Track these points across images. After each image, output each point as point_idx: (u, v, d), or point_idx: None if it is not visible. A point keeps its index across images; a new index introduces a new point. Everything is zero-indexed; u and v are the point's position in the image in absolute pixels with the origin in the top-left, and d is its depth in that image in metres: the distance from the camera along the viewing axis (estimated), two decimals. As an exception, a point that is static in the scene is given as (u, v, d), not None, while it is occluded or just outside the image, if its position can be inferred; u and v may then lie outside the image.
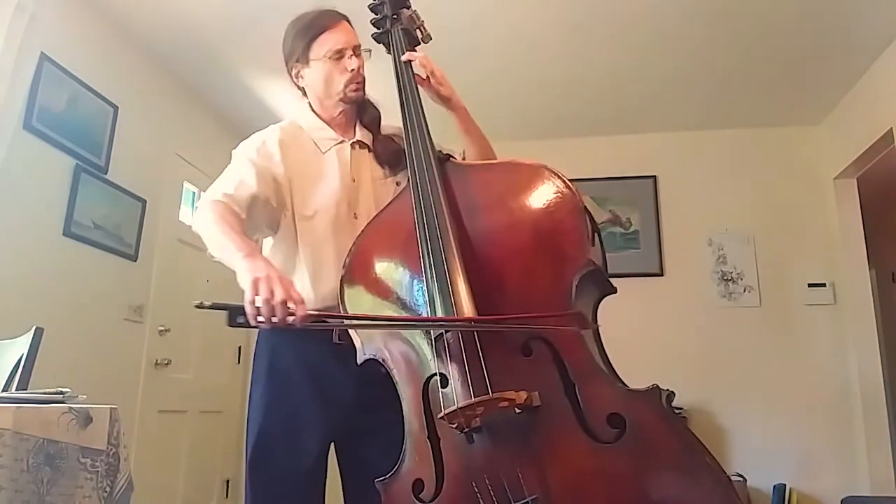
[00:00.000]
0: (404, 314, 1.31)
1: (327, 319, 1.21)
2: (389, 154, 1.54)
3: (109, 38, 3.09)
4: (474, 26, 3.06)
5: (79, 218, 2.80)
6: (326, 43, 1.48)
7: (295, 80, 1.58)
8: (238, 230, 1.34)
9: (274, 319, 1.10)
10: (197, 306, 1.13)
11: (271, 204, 1.46)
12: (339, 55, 1.48)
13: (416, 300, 1.29)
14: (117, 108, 3.07)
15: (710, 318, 3.91)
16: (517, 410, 1.10)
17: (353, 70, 1.49)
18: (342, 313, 1.35)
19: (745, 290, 3.92)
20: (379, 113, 1.62)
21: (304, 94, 1.60)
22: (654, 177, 4.16)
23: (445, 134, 1.57)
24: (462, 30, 3.03)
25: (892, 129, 3.20)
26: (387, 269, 1.37)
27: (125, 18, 3.06)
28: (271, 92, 3.67)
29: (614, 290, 1.26)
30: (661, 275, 4.01)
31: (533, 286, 1.20)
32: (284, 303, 1.10)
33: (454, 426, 1.13)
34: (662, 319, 3.91)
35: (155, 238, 3.35)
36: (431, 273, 1.24)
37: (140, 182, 3.24)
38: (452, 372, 1.18)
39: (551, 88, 3.69)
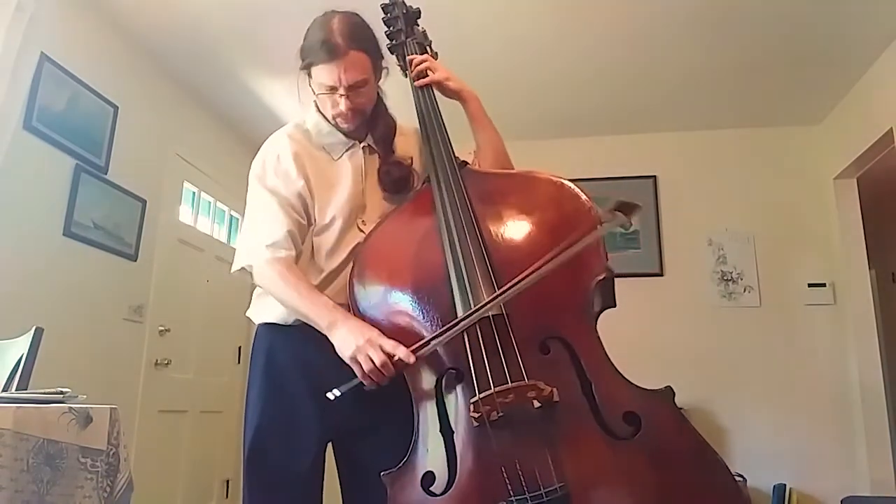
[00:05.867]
0: (420, 313, 1.32)
1: (430, 342, 1.23)
2: (393, 180, 1.51)
3: (109, 38, 3.09)
4: (477, 28, 3.06)
5: (79, 218, 2.80)
6: (320, 76, 1.41)
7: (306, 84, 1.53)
8: (305, 287, 1.35)
9: (388, 375, 1.21)
10: (331, 399, 1.22)
11: (303, 224, 1.44)
12: (330, 91, 1.42)
13: (433, 300, 1.30)
14: (117, 108, 3.07)
15: (710, 318, 3.91)
16: (537, 404, 1.14)
17: (340, 110, 1.43)
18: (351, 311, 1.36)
19: (745, 290, 3.92)
20: (392, 128, 1.56)
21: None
22: (654, 177, 4.16)
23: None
24: (464, 31, 3.03)
25: (892, 129, 3.20)
26: (402, 268, 1.39)
27: (125, 18, 3.06)
28: (271, 92, 3.67)
29: (614, 305, 1.32)
30: (661, 275, 4.01)
31: (553, 290, 1.23)
32: (387, 362, 1.20)
33: (477, 416, 1.15)
34: (662, 319, 3.91)
35: (155, 238, 3.35)
36: (460, 274, 1.27)
37: (140, 182, 3.24)
38: (476, 365, 1.20)
39: (552, 89, 3.69)
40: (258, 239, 1.40)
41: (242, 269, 1.42)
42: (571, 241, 1.18)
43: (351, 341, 1.23)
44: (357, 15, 1.49)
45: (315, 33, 1.42)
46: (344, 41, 1.38)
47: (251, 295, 1.56)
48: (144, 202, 3.26)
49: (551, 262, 1.17)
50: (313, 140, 1.51)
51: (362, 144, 1.53)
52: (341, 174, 1.50)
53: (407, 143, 1.58)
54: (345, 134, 1.51)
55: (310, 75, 1.45)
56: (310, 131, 1.52)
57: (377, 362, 1.19)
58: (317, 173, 1.47)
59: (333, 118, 1.47)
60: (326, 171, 1.49)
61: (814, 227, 3.94)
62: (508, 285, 1.19)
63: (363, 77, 1.42)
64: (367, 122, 1.53)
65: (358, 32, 1.43)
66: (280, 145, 1.49)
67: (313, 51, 1.41)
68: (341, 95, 1.41)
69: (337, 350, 1.25)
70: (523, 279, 1.17)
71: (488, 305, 1.20)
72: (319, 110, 1.51)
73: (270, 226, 1.40)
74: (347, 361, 1.23)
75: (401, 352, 1.19)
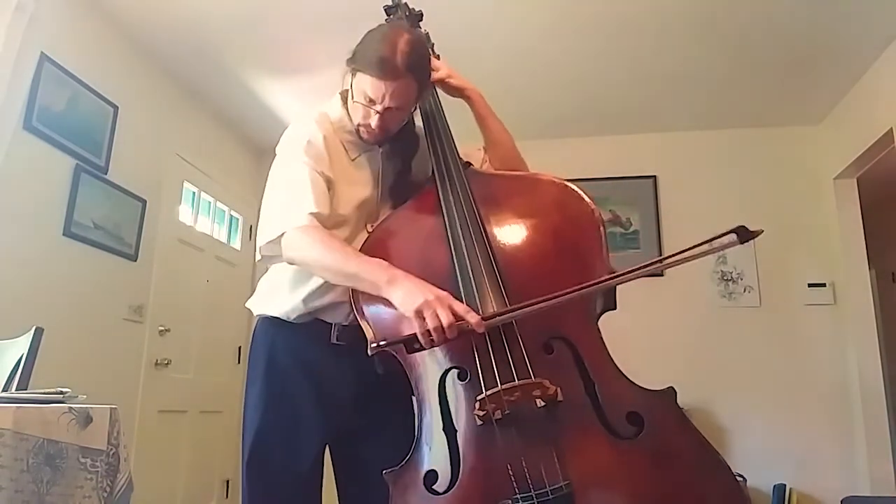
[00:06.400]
0: None
1: (500, 315, 1.19)
2: (407, 197, 1.50)
3: (109, 38, 3.09)
4: (475, 27, 3.06)
5: (79, 218, 2.80)
6: (363, 85, 1.38)
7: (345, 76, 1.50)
8: (353, 251, 1.31)
9: (449, 338, 1.15)
10: (373, 351, 1.20)
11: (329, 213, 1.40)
12: (368, 103, 1.39)
13: None
14: (117, 108, 3.07)
15: (710, 318, 3.91)
16: (540, 403, 1.14)
17: (369, 123, 1.41)
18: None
19: (745, 290, 3.92)
20: (414, 149, 1.55)
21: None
22: (654, 177, 4.16)
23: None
24: (463, 30, 3.03)
25: (892, 129, 3.20)
26: (407, 264, 1.37)
27: (125, 18, 3.06)
28: (271, 92, 3.67)
29: (615, 307, 1.33)
30: (661, 275, 4.00)
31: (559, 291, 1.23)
32: (454, 324, 1.14)
33: (482, 413, 1.15)
34: (662, 319, 3.91)
35: (155, 238, 3.35)
36: (466, 276, 1.27)
37: (140, 182, 3.24)
38: (483, 363, 1.20)
39: (552, 88, 3.69)
40: (301, 205, 1.33)
41: (277, 239, 1.33)
42: (617, 273, 1.20)
43: (419, 295, 1.16)
44: (422, 38, 1.49)
45: (377, 44, 1.37)
46: (403, 66, 1.34)
47: (251, 295, 1.56)
48: (144, 202, 3.26)
49: (586, 289, 1.17)
50: (337, 132, 1.48)
51: (381, 149, 1.52)
52: (358, 176, 1.48)
53: (424, 157, 1.55)
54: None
55: (353, 75, 1.42)
56: (331, 122, 1.49)
57: (444, 321, 1.13)
58: (339, 167, 1.45)
59: (358, 126, 1.45)
60: (344, 166, 1.47)
61: (814, 227, 3.94)
62: (545, 298, 1.16)
63: (405, 104, 1.40)
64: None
65: (419, 61, 1.39)
66: (310, 131, 1.45)
67: (369, 61, 1.36)
68: (376, 112, 1.39)
69: (397, 303, 1.19)
70: (554, 298, 1.16)
71: (533, 307, 1.18)
72: (346, 106, 1.48)
73: (316, 198, 1.34)
74: (409, 314, 1.16)
75: (472, 317, 1.15)
